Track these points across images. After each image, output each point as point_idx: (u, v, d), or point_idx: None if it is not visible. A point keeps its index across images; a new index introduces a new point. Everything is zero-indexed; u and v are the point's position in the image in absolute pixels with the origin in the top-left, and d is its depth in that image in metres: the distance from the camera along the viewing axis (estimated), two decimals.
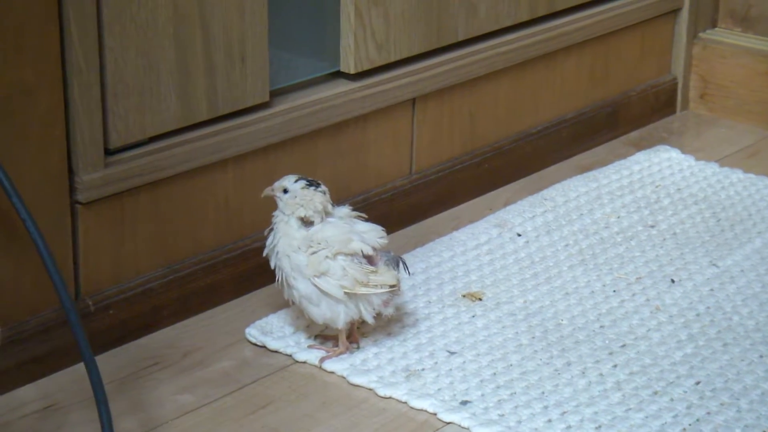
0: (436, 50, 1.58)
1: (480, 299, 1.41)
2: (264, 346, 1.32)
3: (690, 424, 1.20)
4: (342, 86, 1.49)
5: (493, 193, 1.68)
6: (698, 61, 1.93)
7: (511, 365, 1.28)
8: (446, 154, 1.63)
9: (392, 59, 1.53)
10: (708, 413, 1.21)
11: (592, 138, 1.81)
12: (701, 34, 1.93)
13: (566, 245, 1.53)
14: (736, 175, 1.71)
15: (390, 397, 1.24)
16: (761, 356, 1.30)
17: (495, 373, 1.27)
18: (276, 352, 1.31)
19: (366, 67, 1.50)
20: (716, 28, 1.95)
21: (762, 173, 1.71)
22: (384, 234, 1.29)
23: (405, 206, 1.58)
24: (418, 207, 1.59)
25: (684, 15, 1.90)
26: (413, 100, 1.57)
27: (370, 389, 1.25)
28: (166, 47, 1.30)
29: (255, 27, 1.37)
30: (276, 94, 1.44)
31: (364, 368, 1.28)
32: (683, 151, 1.77)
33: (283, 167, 1.42)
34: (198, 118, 1.35)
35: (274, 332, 1.33)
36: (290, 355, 1.30)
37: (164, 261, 1.35)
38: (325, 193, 1.28)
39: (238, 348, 1.32)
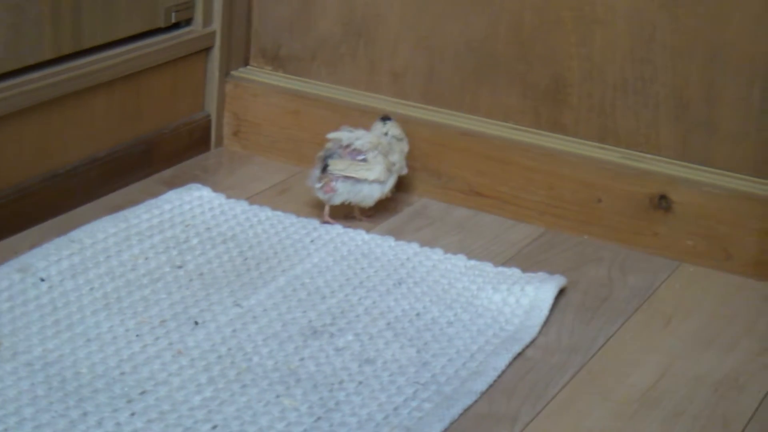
0: None
1: None
2: None
3: None
4: None
5: (18, 235, 1.63)
6: (231, 99, 1.96)
7: (24, 419, 1.24)
8: None
9: None
10: None
11: (125, 177, 1.80)
12: (234, 72, 1.96)
13: (91, 289, 1.50)
14: (265, 213, 1.75)
15: None
16: (278, 396, 1.33)
17: (6, 429, 1.23)
18: None
19: None
20: (248, 66, 1.99)
21: (290, 210, 1.76)
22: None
23: None
24: None
25: (215, 53, 1.92)
26: None
27: None
28: None
29: None
30: None
31: None
32: (215, 189, 1.79)
33: None
34: None
35: None
36: None
37: None
38: None
39: None
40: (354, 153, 1.72)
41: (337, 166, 1.70)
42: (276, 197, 1.82)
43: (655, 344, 1.51)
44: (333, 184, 1.71)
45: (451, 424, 1.32)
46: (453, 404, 1.35)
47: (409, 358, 1.43)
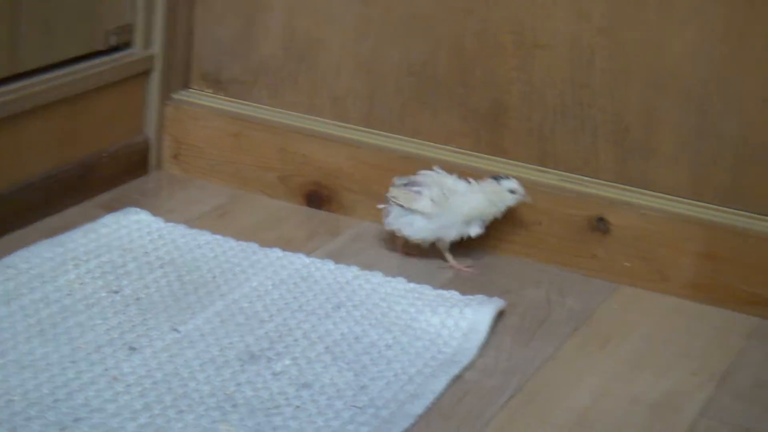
0: None
1: None
2: None
3: None
4: None
5: None
6: (171, 122, 1.95)
7: None
8: None
9: None
10: None
11: (62, 201, 1.78)
12: (174, 95, 1.96)
13: (26, 315, 1.49)
14: (204, 237, 1.74)
15: None
16: (214, 422, 1.32)
17: None
18: None
19: None
20: (189, 90, 1.98)
21: (229, 234, 1.75)
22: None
23: None
24: None
25: (155, 76, 1.91)
26: None
27: None
28: None
29: None
30: None
31: None
32: (154, 213, 1.78)
33: None
34: None
35: None
36: None
37: None
38: None
39: None
40: (413, 184, 1.73)
41: (392, 192, 1.73)
42: (216, 221, 1.82)
43: (592, 366, 1.52)
44: (388, 208, 1.73)
45: None
46: (391, 428, 1.35)
47: (347, 382, 1.42)
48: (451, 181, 1.74)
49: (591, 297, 1.68)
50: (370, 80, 1.87)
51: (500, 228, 1.78)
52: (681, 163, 1.72)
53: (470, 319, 1.57)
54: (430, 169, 1.76)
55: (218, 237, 1.75)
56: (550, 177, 1.78)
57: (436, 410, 1.40)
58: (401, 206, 1.72)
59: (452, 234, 1.73)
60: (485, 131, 1.82)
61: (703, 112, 1.69)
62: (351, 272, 1.68)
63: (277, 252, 1.72)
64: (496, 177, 1.74)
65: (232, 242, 1.74)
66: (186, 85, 1.98)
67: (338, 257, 1.73)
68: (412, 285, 1.66)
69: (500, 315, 1.61)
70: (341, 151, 1.87)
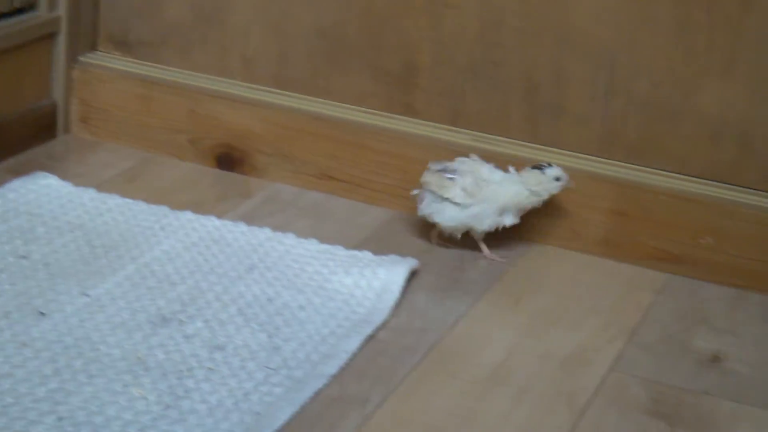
0: None
1: None
2: None
3: None
4: None
5: None
6: (79, 85, 1.92)
7: None
8: None
9: None
10: None
11: None
12: (81, 58, 1.93)
13: None
14: (114, 201, 1.72)
15: None
16: (125, 385, 1.31)
17: None
18: None
19: None
20: (96, 52, 1.95)
21: (139, 198, 1.73)
22: None
23: None
24: None
25: (61, 39, 1.88)
26: None
27: None
28: None
29: None
30: None
31: None
32: (62, 177, 1.75)
33: None
34: None
35: None
36: None
37: None
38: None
39: None
40: (448, 171, 1.68)
41: (425, 177, 1.68)
42: (126, 184, 1.80)
43: (504, 323, 1.53)
44: (423, 193, 1.68)
45: (302, 407, 1.32)
46: (303, 388, 1.35)
47: (260, 344, 1.42)
48: (486, 171, 1.68)
49: (504, 255, 1.69)
50: (281, 41, 1.86)
51: (411, 188, 1.78)
52: (591, 121, 1.73)
53: (383, 279, 1.57)
54: (467, 156, 1.70)
55: (128, 200, 1.73)
56: (461, 137, 1.78)
57: (349, 370, 1.40)
58: (433, 192, 1.67)
59: (485, 224, 1.68)
60: (396, 92, 1.81)
61: (612, 71, 1.70)
62: (263, 234, 1.67)
63: (188, 215, 1.70)
64: (539, 166, 1.68)
65: (142, 205, 1.72)
66: (93, 47, 1.95)
67: (250, 219, 1.72)
68: (324, 246, 1.66)
69: (414, 274, 1.61)
70: (252, 112, 1.86)
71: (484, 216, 1.67)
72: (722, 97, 1.65)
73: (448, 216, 1.67)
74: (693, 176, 1.69)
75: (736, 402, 1.40)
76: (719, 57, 1.64)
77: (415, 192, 1.70)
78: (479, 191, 1.67)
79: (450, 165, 1.69)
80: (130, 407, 1.28)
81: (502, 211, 1.68)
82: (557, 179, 1.68)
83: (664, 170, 1.71)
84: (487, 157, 1.74)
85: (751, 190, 1.67)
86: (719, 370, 1.46)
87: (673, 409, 1.38)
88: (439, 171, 1.68)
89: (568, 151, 1.74)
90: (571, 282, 1.65)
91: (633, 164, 1.72)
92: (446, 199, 1.67)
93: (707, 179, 1.69)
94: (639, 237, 1.71)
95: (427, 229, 1.72)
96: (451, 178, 1.67)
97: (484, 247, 1.70)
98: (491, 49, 1.75)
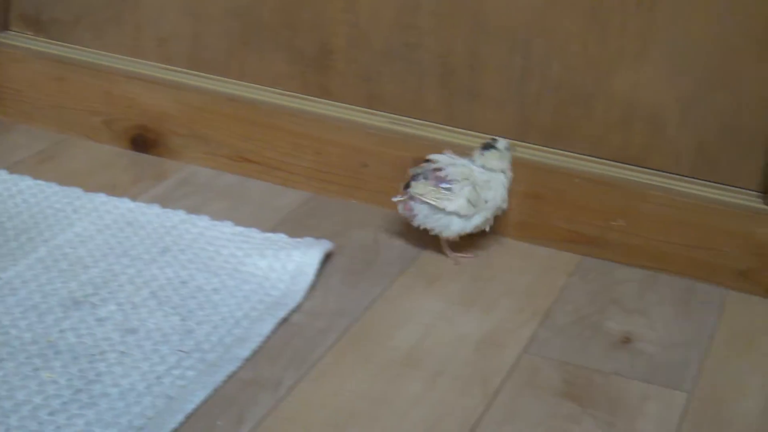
0: None
1: None
2: None
3: None
4: None
5: None
6: None
7: None
8: None
9: None
10: None
11: None
12: None
13: None
14: (25, 182, 1.70)
15: None
16: (36, 369, 1.30)
17: None
18: None
19: None
20: (8, 32, 1.92)
21: (52, 179, 1.72)
22: None
23: None
24: None
25: None
26: None
27: None
28: None
29: None
30: None
31: None
32: None
33: None
34: None
35: None
36: None
37: None
38: None
39: None
40: (441, 180, 1.62)
41: (417, 189, 1.61)
42: (38, 166, 1.78)
43: (419, 306, 1.53)
44: (412, 204, 1.62)
45: (215, 390, 1.32)
46: (216, 371, 1.34)
47: (173, 327, 1.41)
48: (477, 173, 1.63)
49: (418, 238, 1.70)
50: (196, 22, 1.84)
51: (326, 170, 1.78)
52: (506, 104, 1.74)
53: (298, 262, 1.57)
54: (442, 152, 1.65)
55: (40, 182, 1.71)
56: (377, 119, 1.78)
57: (262, 353, 1.40)
58: (429, 204, 1.61)
59: (484, 224, 1.65)
60: (312, 74, 1.81)
61: (526, 55, 1.71)
62: (177, 216, 1.66)
63: (101, 197, 1.69)
64: (490, 145, 1.65)
65: (55, 187, 1.70)
66: (5, 26, 1.92)
67: (164, 201, 1.71)
68: (239, 228, 1.65)
69: (328, 257, 1.61)
70: (167, 93, 1.84)
71: (485, 220, 1.65)
72: (635, 81, 1.67)
73: (455, 230, 1.63)
74: (606, 159, 1.71)
75: (646, 382, 1.42)
76: (632, 40, 1.66)
77: (398, 198, 1.64)
78: (480, 200, 1.63)
79: (439, 172, 1.62)
80: (40, 391, 1.27)
81: (499, 209, 1.66)
82: (508, 149, 1.66)
83: (578, 153, 1.72)
84: (403, 140, 1.74)
85: (662, 173, 1.69)
86: (630, 351, 1.48)
87: (584, 390, 1.39)
88: (430, 179, 1.61)
89: (484, 133, 1.75)
90: (486, 265, 1.66)
91: (547, 147, 1.73)
92: (450, 213, 1.61)
93: (619, 162, 1.71)
94: (553, 220, 1.72)
95: (343, 212, 1.72)
96: (448, 188, 1.62)
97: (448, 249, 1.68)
98: (407, 31, 1.75)
